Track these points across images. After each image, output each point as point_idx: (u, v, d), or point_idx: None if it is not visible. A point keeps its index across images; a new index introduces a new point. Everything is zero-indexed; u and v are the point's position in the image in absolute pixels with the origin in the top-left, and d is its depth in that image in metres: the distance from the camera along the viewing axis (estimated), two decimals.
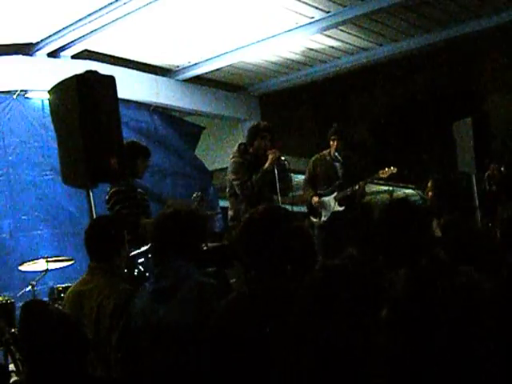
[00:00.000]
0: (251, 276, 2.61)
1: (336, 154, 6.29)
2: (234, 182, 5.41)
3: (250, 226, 2.68)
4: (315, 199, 6.19)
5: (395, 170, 6.25)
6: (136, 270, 4.45)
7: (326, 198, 6.18)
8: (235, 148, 5.59)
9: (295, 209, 5.84)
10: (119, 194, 4.91)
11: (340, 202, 6.11)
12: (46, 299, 5.15)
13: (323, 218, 6.17)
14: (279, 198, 5.37)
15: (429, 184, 6.63)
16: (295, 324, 2.22)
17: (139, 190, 5.23)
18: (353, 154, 6.59)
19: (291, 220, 2.78)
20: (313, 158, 6.41)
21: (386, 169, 6.23)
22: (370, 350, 2.11)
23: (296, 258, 2.70)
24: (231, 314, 2.56)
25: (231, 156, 5.56)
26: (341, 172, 6.27)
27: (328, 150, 6.37)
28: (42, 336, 2.33)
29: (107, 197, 4.98)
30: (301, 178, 7.13)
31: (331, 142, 6.30)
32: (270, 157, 5.34)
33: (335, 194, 6.15)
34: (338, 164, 6.31)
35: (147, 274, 4.26)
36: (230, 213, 5.52)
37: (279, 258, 2.58)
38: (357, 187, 6.07)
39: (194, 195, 5.41)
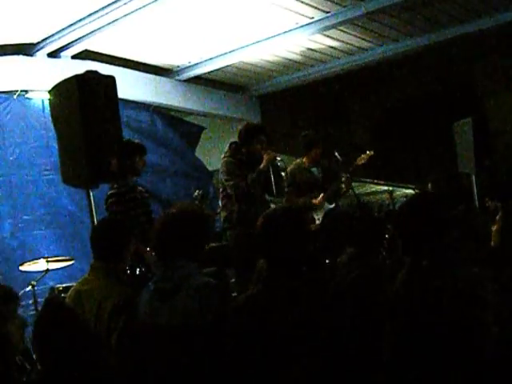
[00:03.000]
0: (268, 274, 2.62)
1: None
2: (227, 183, 5.28)
3: (271, 224, 2.70)
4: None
5: (372, 152, 6.17)
6: (138, 270, 4.46)
7: None
8: (226, 147, 5.46)
9: None
10: (113, 196, 4.90)
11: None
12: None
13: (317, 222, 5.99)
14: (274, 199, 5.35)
15: (428, 186, 6.62)
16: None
17: (140, 188, 5.20)
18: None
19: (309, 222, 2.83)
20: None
21: (363, 155, 6.17)
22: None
23: (311, 259, 2.73)
24: (249, 310, 2.59)
25: (222, 155, 5.43)
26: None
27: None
28: (61, 336, 2.35)
29: (105, 198, 4.99)
30: None
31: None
32: (266, 157, 5.26)
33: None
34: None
35: (149, 275, 4.26)
36: (223, 213, 5.37)
37: (296, 259, 2.60)
38: (342, 185, 6.01)
39: (196, 193, 5.41)
